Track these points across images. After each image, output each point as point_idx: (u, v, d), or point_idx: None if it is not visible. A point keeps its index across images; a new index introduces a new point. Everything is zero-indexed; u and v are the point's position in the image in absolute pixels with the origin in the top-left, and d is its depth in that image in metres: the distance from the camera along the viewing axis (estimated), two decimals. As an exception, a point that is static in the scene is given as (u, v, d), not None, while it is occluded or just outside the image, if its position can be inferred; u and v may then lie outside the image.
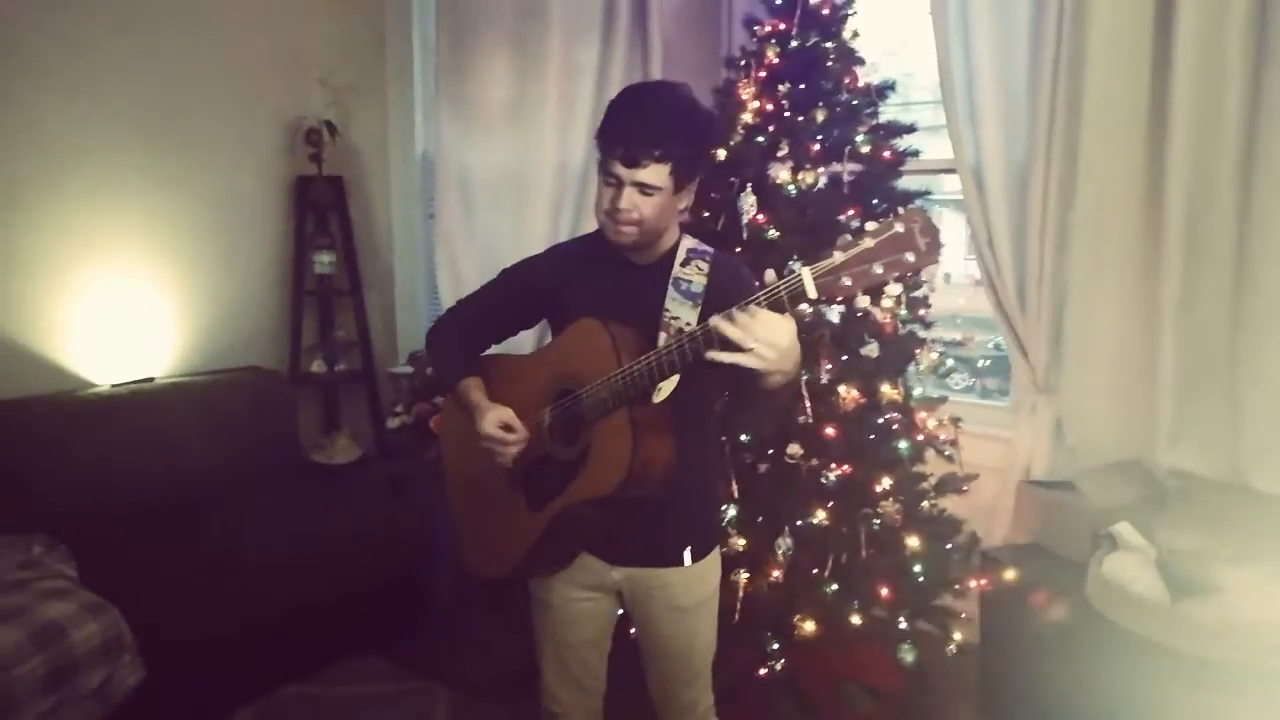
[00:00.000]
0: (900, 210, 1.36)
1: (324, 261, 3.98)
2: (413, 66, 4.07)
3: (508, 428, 1.77)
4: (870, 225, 1.37)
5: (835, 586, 2.62)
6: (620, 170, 1.63)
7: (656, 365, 1.55)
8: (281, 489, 3.58)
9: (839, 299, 1.40)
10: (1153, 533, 2.59)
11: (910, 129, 2.83)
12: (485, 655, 3.26)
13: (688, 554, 1.81)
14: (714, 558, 1.88)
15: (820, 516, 2.62)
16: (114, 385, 3.39)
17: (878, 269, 1.34)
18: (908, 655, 2.70)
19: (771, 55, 2.80)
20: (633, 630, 1.96)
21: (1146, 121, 2.79)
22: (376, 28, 4.07)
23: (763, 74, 2.83)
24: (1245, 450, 2.54)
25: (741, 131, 2.81)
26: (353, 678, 3.03)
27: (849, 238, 1.38)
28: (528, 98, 3.76)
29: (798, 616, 2.61)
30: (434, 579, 3.54)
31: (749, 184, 2.70)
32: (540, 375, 1.80)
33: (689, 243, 1.80)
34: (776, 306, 1.42)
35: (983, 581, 2.89)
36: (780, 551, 2.62)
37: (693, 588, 1.85)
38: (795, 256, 2.63)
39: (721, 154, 2.81)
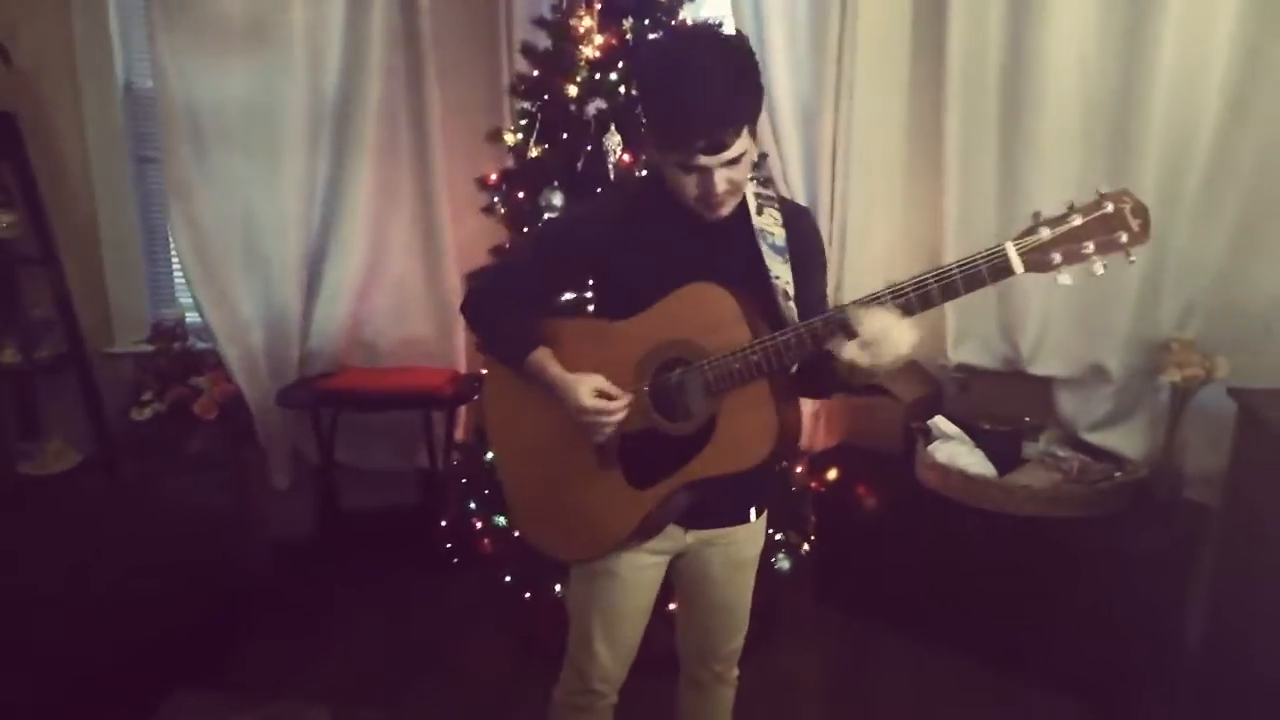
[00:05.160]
0: (1103, 190, 1.39)
1: (1, 223, 3.13)
2: (103, -27, 3.26)
3: (605, 394, 1.63)
4: (1073, 203, 1.39)
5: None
6: (706, 160, 1.49)
7: (813, 336, 1.49)
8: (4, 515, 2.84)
9: (1043, 272, 1.41)
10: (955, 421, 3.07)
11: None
12: (337, 658, 2.92)
13: (753, 510, 1.81)
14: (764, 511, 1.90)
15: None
16: None
17: (1088, 247, 1.38)
18: (784, 563, 2.92)
19: (612, -13, 2.70)
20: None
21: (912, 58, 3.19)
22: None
23: (598, 6, 2.72)
24: (1024, 344, 3.06)
25: (586, 66, 2.70)
26: (200, 716, 2.56)
27: (1044, 213, 1.40)
28: (269, 20, 3.21)
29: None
30: (236, 585, 3.07)
31: (611, 122, 2.61)
32: (635, 343, 1.64)
33: (753, 186, 1.69)
34: (973, 283, 1.41)
35: (813, 484, 3.20)
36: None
37: (754, 541, 1.86)
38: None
39: (572, 90, 2.68)
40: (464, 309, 1.80)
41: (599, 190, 2.56)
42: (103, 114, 3.32)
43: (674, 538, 1.76)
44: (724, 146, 1.48)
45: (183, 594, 2.89)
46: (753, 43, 3.02)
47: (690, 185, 1.54)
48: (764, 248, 1.63)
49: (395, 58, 3.36)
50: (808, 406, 3.42)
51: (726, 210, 1.59)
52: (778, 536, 2.92)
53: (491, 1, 3.33)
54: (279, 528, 3.46)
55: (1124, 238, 1.37)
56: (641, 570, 1.78)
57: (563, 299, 2.05)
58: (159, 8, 3.12)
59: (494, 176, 2.92)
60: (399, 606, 3.20)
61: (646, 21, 2.73)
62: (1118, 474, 2.83)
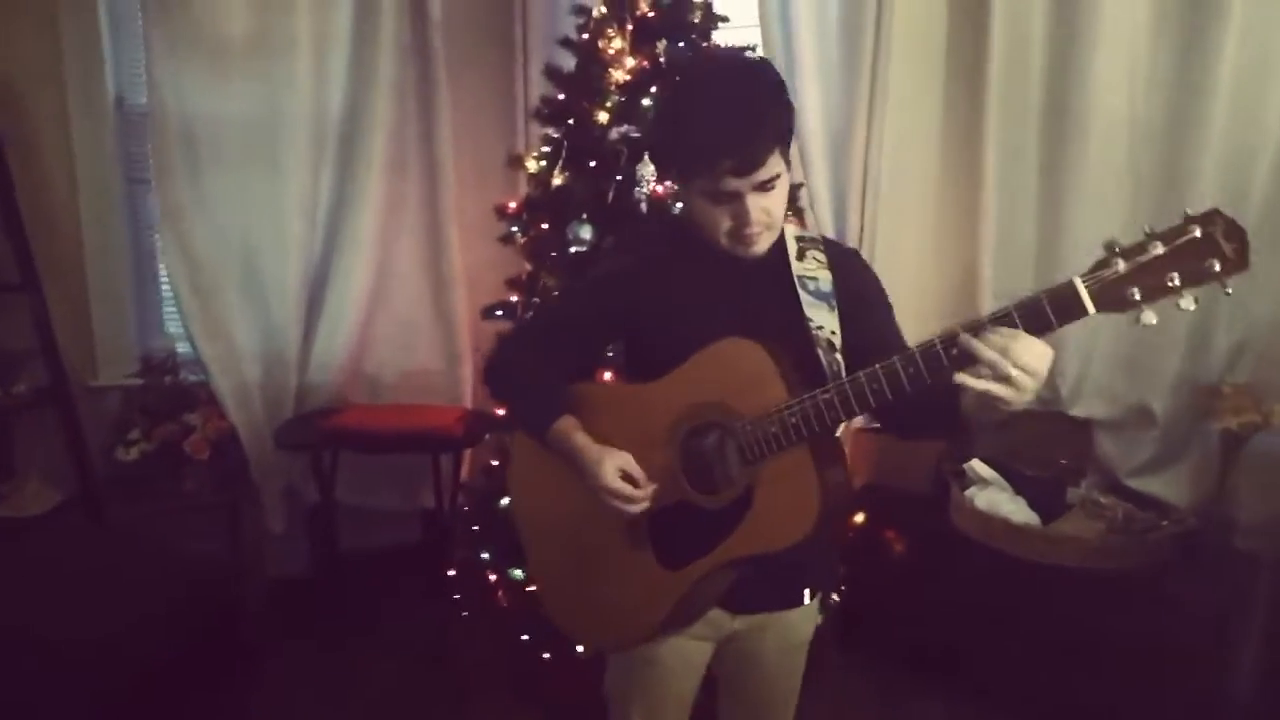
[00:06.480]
0: (1189, 212, 1.19)
1: (-22, 248, 2.93)
2: (93, -16, 3.06)
3: (630, 477, 1.47)
4: (1152, 228, 1.20)
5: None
6: (735, 184, 1.35)
7: (858, 393, 1.31)
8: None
9: (1120, 312, 1.21)
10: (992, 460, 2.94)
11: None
12: (339, 715, 2.73)
13: (806, 592, 1.63)
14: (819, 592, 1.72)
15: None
16: None
17: (1173, 279, 1.18)
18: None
19: (645, 7, 2.55)
20: None
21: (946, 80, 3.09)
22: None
23: (630, 27, 2.58)
24: (1064, 384, 2.94)
25: (616, 91, 2.55)
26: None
27: (1119, 243, 1.21)
28: (271, 31, 3.04)
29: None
30: (231, 635, 2.87)
31: (645, 151, 2.46)
32: (665, 407, 1.48)
33: (793, 229, 1.56)
34: (1035, 325, 1.20)
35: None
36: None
37: (807, 624, 1.68)
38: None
39: (602, 116, 2.53)
40: (486, 377, 1.68)
41: (636, 238, 2.39)
42: (92, 131, 3.11)
43: (718, 623, 1.58)
44: (755, 165, 1.33)
45: (173, 646, 2.70)
46: (782, 66, 3.01)
47: (721, 217, 1.39)
48: (804, 295, 1.47)
49: (405, 73, 3.20)
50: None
51: (762, 247, 1.43)
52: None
53: (507, 19, 3.18)
54: (273, 568, 3.28)
55: (1216, 266, 1.17)
56: (684, 657, 1.62)
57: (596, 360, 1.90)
58: (154, 18, 2.94)
59: (514, 204, 2.76)
60: (405, 661, 2.98)
61: (681, 44, 2.59)
62: (1164, 523, 2.71)
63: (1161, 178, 2.72)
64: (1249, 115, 2.58)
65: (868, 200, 3.12)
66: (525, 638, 2.64)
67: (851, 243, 3.15)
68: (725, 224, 1.40)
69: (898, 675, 2.96)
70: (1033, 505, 2.76)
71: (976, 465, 2.90)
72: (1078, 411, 2.95)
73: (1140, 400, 2.84)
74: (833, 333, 1.46)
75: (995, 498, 2.78)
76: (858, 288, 1.54)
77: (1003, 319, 1.21)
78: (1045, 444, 3.05)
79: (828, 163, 3.14)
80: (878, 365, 1.28)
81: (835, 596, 2.92)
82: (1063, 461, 2.98)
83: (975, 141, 2.99)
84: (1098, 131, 2.78)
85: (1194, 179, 2.65)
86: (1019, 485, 2.83)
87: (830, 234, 3.17)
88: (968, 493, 2.85)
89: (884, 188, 3.13)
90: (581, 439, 1.52)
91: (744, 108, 1.35)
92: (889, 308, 1.57)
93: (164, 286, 3.28)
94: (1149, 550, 2.62)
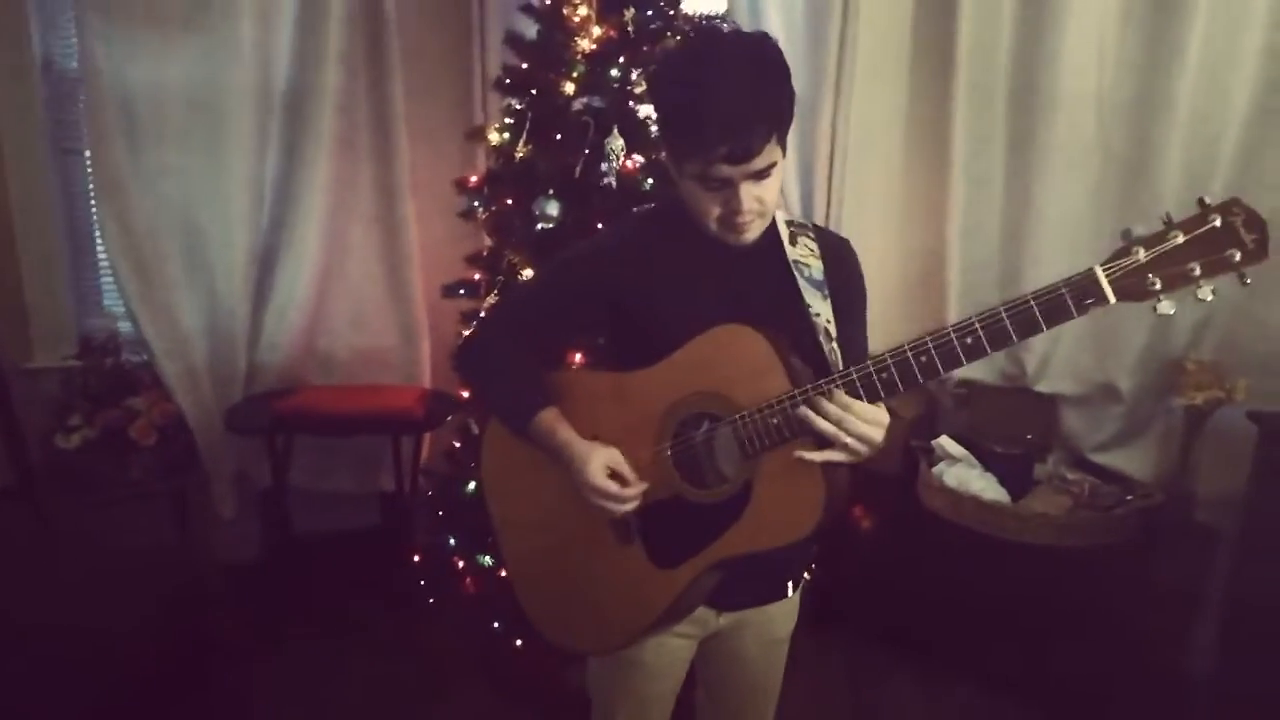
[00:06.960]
0: (1207, 200, 1.17)
1: (-103, 223, 2.73)
2: (17, -61, 2.85)
3: (618, 475, 1.41)
4: (1171, 216, 1.19)
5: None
6: (728, 171, 1.29)
7: (865, 383, 1.27)
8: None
9: (1139, 301, 1.20)
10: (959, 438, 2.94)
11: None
12: (303, 711, 2.64)
13: (790, 584, 1.60)
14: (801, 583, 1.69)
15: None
16: None
17: (1193, 269, 1.17)
18: (788, 596, 2.75)
19: (614, -26, 2.45)
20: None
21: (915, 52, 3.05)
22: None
23: (596, -5, 2.47)
24: (1030, 360, 2.94)
25: (582, 60, 2.45)
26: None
27: (1136, 231, 1.20)
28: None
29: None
30: (182, 630, 2.76)
31: (614, 125, 2.37)
32: (656, 397, 1.42)
33: (783, 214, 1.49)
34: (1055, 315, 1.19)
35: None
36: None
37: (789, 618, 1.65)
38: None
39: (569, 88, 2.43)
40: (460, 363, 1.62)
41: (619, 217, 2.31)
42: (17, 96, 2.91)
43: (704, 621, 1.54)
44: (749, 154, 1.27)
45: (121, 640, 2.59)
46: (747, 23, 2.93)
47: (712, 204, 1.34)
48: (801, 282, 1.41)
49: (355, 42, 3.07)
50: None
51: (752, 235, 1.38)
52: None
53: (463, -17, 3.06)
54: (223, 553, 3.16)
55: (1237, 255, 1.16)
56: (669, 654, 1.57)
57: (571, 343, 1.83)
58: (83, -21, 2.75)
59: (475, 179, 2.66)
60: (368, 652, 2.88)
61: (649, 13, 2.50)
62: (1129, 498, 2.73)
63: (1129, 157, 2.72)
64: (1216, 94, 2.58)
65: (834, 176, 3.08)
66: (496, 625, 2.58)
67: (818, 219, 3.11)
68: (716, 211, 1.35)
69: (867, 653, 2.97)
70: (1001, 481, 2.77)
71: (945, 442, 2.89)
72: (1043, 388, 2.96)
73: (1106, 376, 2.85)
74: (829, 321, 1.41)
75: (964, 474, 2.78)
76: (846, 281, 1.49)
77: (1022, 308, 1.19)
78: (1012, 420, 3.06)
79: (794, 137, 3.07)
80: (887, 354, 1.26)
81: (805, 575, 2.90)
82: (1029, 437, 2.98)
83: (943, 119, 2.95)
84: (1066, 111, 2.76)
85: (1161, 158, 2.64)
86: (988, 462, 2.83)
87: (797, 211, 3.12)
88: (936, 469, 2.85)
89: (850, 163, 3.08)
90: (566, 433, 1.45)
91: (742, 93, 1.27)
92: (863, 310, 1.53)
93: (102, 261, 3.12)
94: (1116, 526, 2.64)
